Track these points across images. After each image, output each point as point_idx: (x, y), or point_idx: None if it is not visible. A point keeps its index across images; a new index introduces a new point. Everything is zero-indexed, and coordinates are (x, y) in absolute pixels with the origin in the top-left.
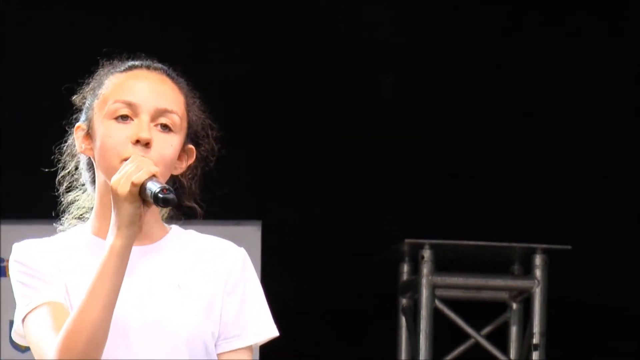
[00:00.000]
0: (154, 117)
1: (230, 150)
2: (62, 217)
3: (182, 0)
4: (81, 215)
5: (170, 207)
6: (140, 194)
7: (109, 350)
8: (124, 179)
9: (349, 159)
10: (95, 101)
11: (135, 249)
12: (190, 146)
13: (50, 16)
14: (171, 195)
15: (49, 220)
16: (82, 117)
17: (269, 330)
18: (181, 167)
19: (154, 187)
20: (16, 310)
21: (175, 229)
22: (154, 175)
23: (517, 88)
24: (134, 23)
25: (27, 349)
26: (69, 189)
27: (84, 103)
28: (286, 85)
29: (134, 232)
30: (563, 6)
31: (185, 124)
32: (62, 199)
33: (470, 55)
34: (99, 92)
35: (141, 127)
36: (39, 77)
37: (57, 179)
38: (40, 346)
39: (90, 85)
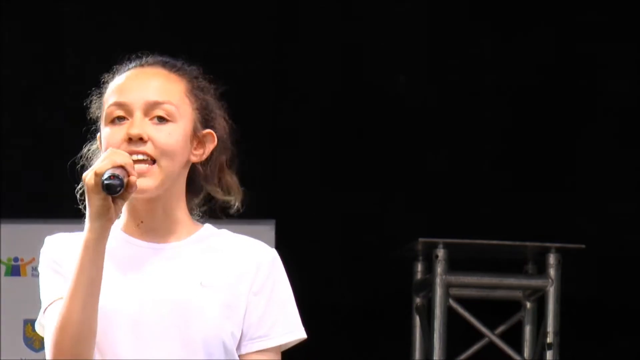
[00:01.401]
0: (146, 112)
1: (243, 149)
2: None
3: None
4: None
5: (208, 202)
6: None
7: (125, 348)
8: (91, 171)
9: (363, 158)
10: (101, 108)
11: (158, 246)
12: (207, 131)
13: (55, 16)
14: (115, 182)
15: (74, 220)
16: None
17: (296, 333)
18: (200, 154)
19: (105, 174)
20: (42, 301)
21: (207, 227)
22: (121, 166)
23: (530, 87)
24: (138, 24)
25: (41, 348)
26: None
27: (98, 111)
28: (299, 84)
29: (103, 224)
30: (574, 3)
31: (188, 110)
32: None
33: (482, 52)
34: (103, 99)
35: (132, 123)
36: (52, 76)
37: (78, 192)
38: (46, 343)
39: (98, 94)
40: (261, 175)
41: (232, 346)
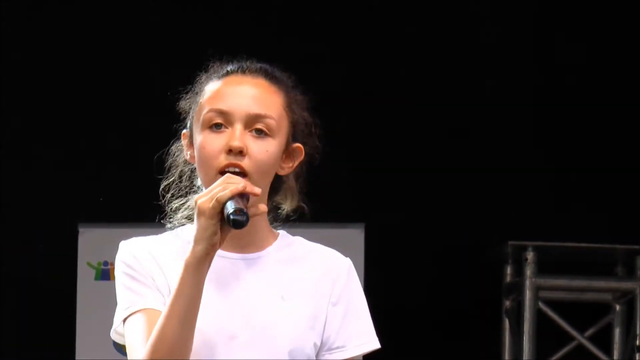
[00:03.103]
0: (247, 124)
1: (332, 152)
2: (171, 218)
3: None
4: (189, 215)
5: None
6: (222, 211)
7: (213, 358)
8: (208, 195)
9: (452, 160)
10: (195, 109)
11: (239, 257)
12: (297, 145)
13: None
14: (243, 218)
15: (153, 224)
16: (188, 123)
17: (372, 343)
18: (289, 167)
19: (230, 207)
20: (117, 308)
21: (282, 235)
22: (239, 195)
23: (619, 90)
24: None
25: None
26: (174, 196)
27: (189, 109)
28: (388, 86)
29: (207, 248)
30: None
31: (285, 124)
32: (167, 208)
33: (572, 55)
34: (198, 99)
35: (233, 135)
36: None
37: (161, 188)
38: (131, 354)
39: (193, 91)
40: (350, 179)
41: (313, 355)
